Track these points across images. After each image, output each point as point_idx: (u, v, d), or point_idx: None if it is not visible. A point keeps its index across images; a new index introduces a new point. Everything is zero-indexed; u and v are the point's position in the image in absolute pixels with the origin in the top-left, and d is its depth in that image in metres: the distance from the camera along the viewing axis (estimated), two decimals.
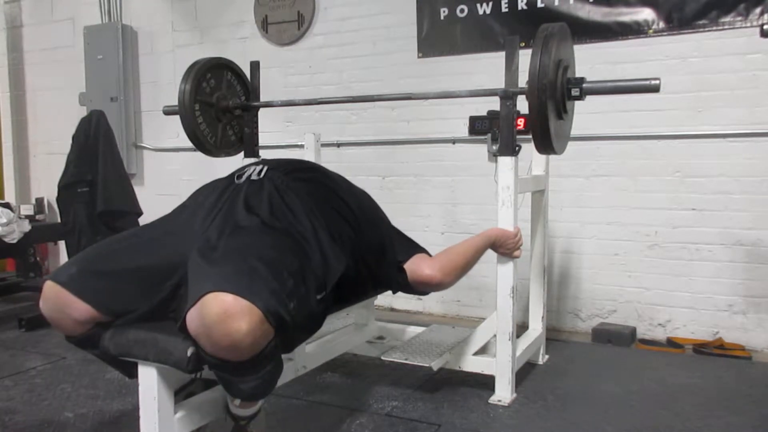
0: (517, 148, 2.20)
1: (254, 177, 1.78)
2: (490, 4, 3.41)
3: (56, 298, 1.53)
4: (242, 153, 2.79)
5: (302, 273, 1.52)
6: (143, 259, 1.60)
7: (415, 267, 1.97)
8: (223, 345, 1.34)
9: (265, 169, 1.80)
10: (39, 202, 4.87)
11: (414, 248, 2.06)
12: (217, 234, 1.61)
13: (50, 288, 1.53)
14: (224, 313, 1.30)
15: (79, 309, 1.52)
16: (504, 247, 2.22)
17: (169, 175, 4.51)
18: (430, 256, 2.06)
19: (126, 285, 1.56)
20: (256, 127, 2.79)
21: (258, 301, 1.33)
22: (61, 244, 4.54)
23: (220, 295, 1.32)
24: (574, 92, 2.06)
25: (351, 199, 1.89)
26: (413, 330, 2.77)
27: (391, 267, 1.96)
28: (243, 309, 1.31)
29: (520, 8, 3.34)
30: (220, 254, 1.49)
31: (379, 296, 2.60)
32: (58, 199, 3.54)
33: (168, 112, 2.65)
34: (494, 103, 2.24)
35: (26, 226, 3.67)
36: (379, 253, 1.92)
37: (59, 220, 3.63)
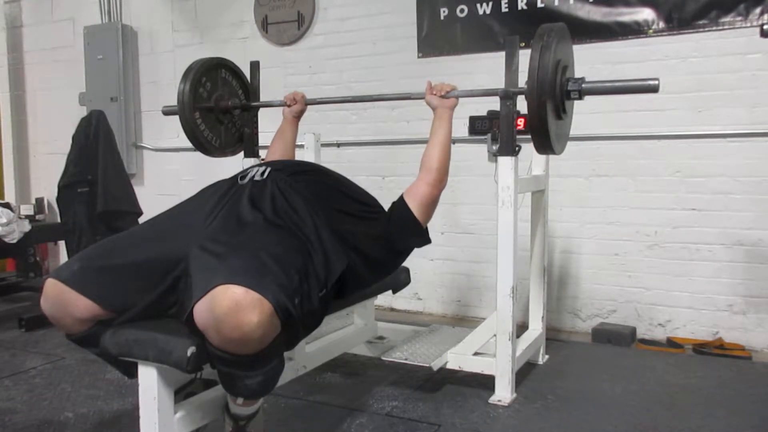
0: (517, 148, 2.21)
1: (257, 178, 1.80)
2: (490, 4, 3.41)
3: (57, 296, 1.53)
4: (242, 153, 2.80)
5: (305, 270, 1.54)
6: (144, 253, 1.61)
7: (414, 196, 1.96)
8: (232, 337, 1.35)
9: (269, 170, 1.82)
10: (39, 202, 4.87)
11: (401, 198, 2.00)
12: (221, 230, 1.63)
13: (52, 285, 1.54)
14: (235, 305, 1.31)
15: (80, 306, 1.53)
16: (448, 103, 2.18)
17: (169, 175, 4.51)
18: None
19: (127, 279, 1.57)
20: (257, 127, 2.79)
21: (268, 295, 1.35)
22: (61, 244, 4.54)
23: (230, 288, 1.33)
24: (573, 93, 2.06)
25: (353, 195, 1.92)
26: (413, 330, 2.77)
27: (404, 222, 1.93)
28: (254, 302, 1.33)
29: (520, 8, 3.34)
30: (228, 249, 1.50)
31: (379, 296, 2.61)
32: (58, 199, 3.54)
33: (167, 112, 2.65)
34: (494, 103, 2.24)
35: (26, 226, 3.68)
36: (384, 239, 1.91)
37: (59, 220, 3.63)
